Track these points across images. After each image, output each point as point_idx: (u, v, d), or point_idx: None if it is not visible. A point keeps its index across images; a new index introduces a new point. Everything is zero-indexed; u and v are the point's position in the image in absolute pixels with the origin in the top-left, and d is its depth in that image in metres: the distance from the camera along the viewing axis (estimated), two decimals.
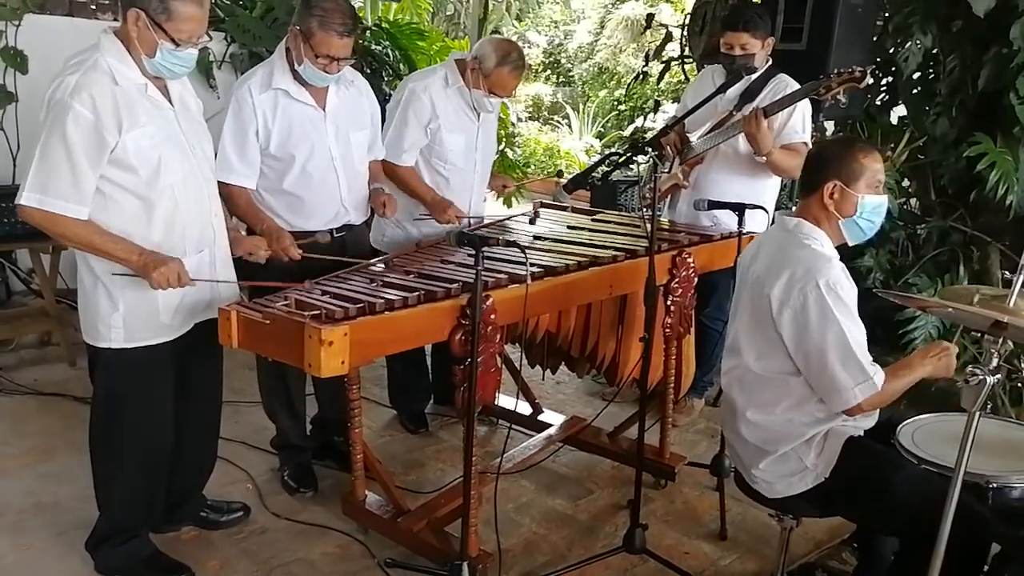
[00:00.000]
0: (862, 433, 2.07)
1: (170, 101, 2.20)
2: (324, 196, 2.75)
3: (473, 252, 2.10)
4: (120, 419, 2.29)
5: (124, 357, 2.23)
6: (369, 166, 2.93)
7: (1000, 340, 1.58)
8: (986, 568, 1.88)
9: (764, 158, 3.05)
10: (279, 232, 2.60)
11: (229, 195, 2.61)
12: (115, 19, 4.72)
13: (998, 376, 1.51)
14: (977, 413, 1.54)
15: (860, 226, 2.05)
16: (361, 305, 2.06)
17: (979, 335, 3.61)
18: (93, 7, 5.03)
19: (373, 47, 5.49)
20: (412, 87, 3.06)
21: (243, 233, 2.59)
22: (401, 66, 5.54)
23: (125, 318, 2.20)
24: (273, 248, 2.52)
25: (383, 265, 2.55)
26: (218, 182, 2.53)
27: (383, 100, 4.87)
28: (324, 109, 2.71)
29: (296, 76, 2.65)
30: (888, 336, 3.99)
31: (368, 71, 5.36)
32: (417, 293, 2.17)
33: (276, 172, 2.70)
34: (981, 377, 1.50)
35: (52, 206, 2.03)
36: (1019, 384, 3.55)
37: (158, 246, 2.16)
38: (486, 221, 3.15)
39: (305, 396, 2.98)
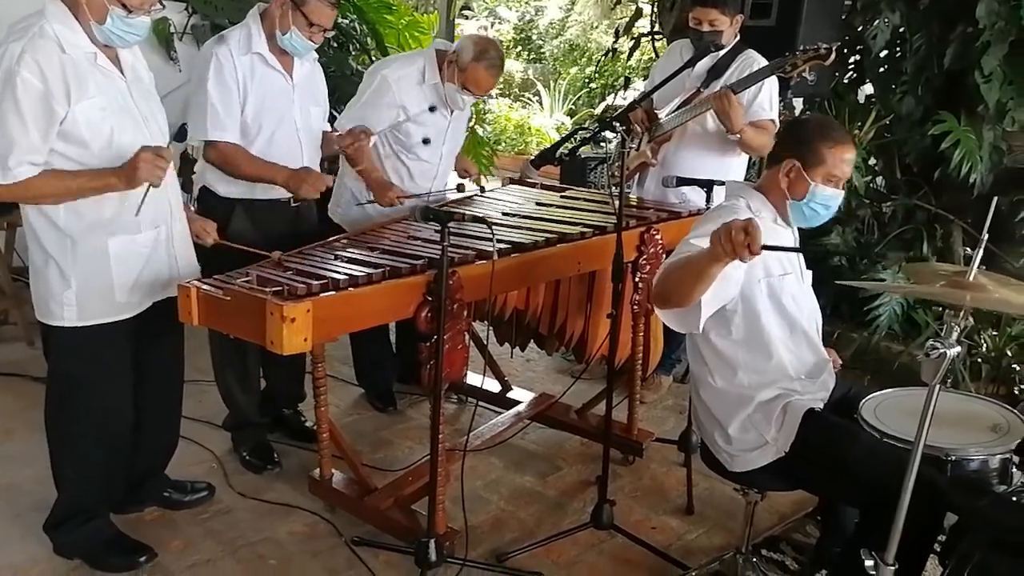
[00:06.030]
0: (821, 406, 2.09)
1: (121, 71, 2.13)
2: (288, 166, 2.71)
3: (439, 228, 2.07)
4: (75, 398, 2.24)
5: (77, 336, 2.17)
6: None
7: (960, 314, 1.59)
8: (943, 538, 1.92)
9: (737, 136, 3.05)
10: (300, 175, 2.63)
11: (233, 155, 2.61)
12: None
13: (958, 349, 1.52)
14: (937, 387, 1.55)
15: (804, 212, 2.06)
16: (324, 281, 2.02)
17: (940, 309, 3.68)
18: None
19: (339, 20, 5.34)
20: (385, 75, 2.99)
21: (192, 210, 2.54)
22: (368, 40, 5.42)
23: (78, 295, 2.14)
24: (306, 191, 2.61)
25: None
26: (218, 143, 2.57)
27: (350, 76, 4.81)
28: (292, 80, 2.72)
29: (270, 44, 2.65)
30: (853, 312, 4.05)
31: (335, 45, 5.24)
32: (382, 269, 2.14)
33: (244, 140, 2.67)
34: (941, 351, 1.51)
35: (17, 176, 1.97)
36: (979, 359, 3.61)
37: (110, 221, 2.11)
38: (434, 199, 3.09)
39: (260, 372, 2.95)
